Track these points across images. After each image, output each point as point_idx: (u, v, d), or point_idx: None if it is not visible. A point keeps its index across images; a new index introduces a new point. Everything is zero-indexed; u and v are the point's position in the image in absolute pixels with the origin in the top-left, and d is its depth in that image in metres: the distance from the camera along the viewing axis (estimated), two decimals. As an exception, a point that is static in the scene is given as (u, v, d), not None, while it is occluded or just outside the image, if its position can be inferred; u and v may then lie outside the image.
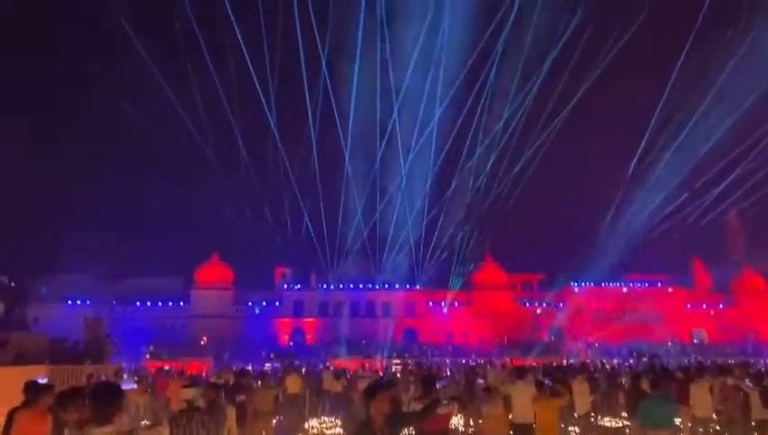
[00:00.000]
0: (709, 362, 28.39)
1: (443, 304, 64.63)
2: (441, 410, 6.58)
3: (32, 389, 6.77)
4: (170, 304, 61.18)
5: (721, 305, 66.24)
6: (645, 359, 40.29)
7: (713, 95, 50.77)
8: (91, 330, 22.83)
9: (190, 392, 6.61)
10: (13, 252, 45.23)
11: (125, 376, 19.49)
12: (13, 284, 19.50)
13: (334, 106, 58.25)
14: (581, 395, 13.51)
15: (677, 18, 56.39)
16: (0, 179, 61.04)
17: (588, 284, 67.26)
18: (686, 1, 56.50)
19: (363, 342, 54.61)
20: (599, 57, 53.78)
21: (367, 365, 24.47)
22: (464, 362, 35.23)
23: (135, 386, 17.89)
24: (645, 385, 11.74)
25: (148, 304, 60.35)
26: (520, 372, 11.97)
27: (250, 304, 62.51)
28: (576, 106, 56.65)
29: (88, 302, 54.83)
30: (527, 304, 65.99)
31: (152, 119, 53.96)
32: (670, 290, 67.06)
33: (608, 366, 26.52)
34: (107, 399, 3.80)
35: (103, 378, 16.22)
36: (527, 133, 58.75)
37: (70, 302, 55.44)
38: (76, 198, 67.30)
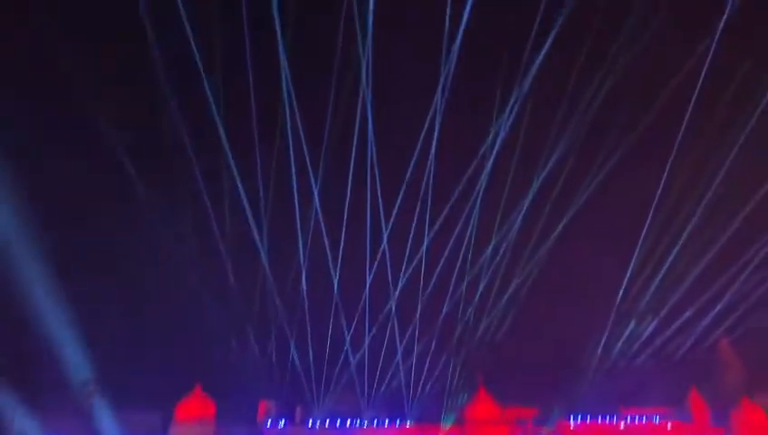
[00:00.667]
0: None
1: (436, 440, 61.46)
2: None
3: None
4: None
5: (724, 441, 63.91)
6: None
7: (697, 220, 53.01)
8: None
9: None
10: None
11: None
12: None
13: (324, 234, 59.30)
14: None
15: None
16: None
17: (584, 418, 65.09)
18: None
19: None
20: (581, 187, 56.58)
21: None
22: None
23: None
24: None
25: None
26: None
27: (233, 440, 58.63)
28: (561, 235, 58.49)
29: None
30: (523, 441, 62.94)
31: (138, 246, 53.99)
32: (669, 426, 64.86)
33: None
34: None
35: None
36: (514, 263, 59.97)
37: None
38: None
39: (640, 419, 65.60)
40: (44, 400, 47.93)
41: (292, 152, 54.10)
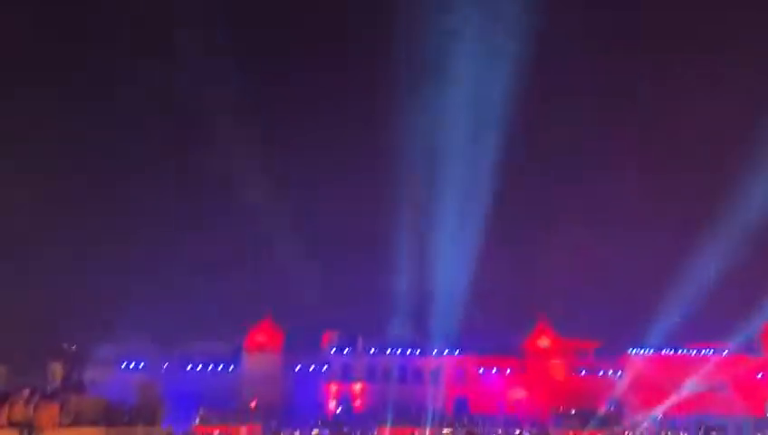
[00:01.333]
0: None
1: (495, 370, 62.62)
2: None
3: None
4: (221, 367, 61.40)
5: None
6: (714, 433, 37.66)
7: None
8: (144, 393, 23.21)
9: None
10: (72, 317, 46.79)
11: (176, 440, 19.50)
12: (73, 347, 20.08)
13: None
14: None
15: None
16: (61, 252, 63.70)
17: (646, 351, 64.21)
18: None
19: (412, 409, 53.23)
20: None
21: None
22: (518, 432, 33.74)
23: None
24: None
25: (200, 367, 60.70)
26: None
27: (298, 368, 62.06)
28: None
29: (141, 365, 55.73)
30: (583, 372, 63.16)
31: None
32: (738, 358, 63.03)
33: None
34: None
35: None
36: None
37: (125, 364, 56.55)
38: (133, 267, 69.54)
39: (706, 352, 64.06)
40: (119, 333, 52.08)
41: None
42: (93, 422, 17.43)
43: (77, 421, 16.56)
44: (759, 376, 61.41)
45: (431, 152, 57.89)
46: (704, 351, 63.75)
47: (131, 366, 56.69)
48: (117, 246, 71.39)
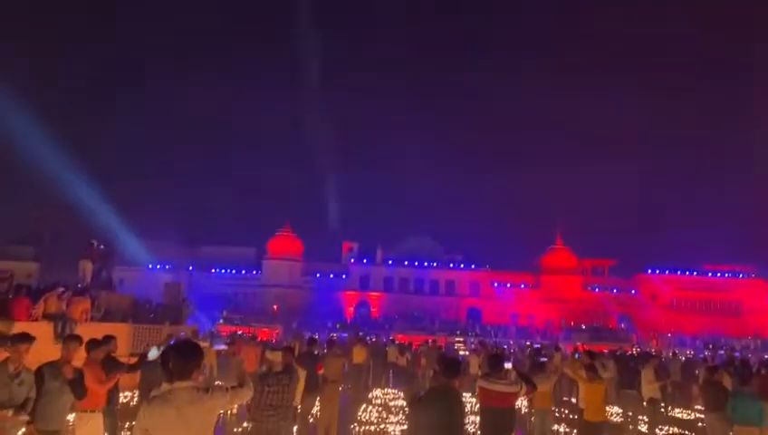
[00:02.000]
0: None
1: (509, 285, 63.91)
2: (509, 389, 6.60)
3: (89, 343, 7.31)
4: (244, 272, 63.52)
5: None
6: (721, 352, 38.43)
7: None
8: (170, 293, 24.12)
9: (278, 355, 7.10)
10: (101, 217, 48.05)
11: (201, 337, 20.49)
12: (102, 246, 20.74)
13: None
14: (647, 383, 13.16)
15: None
16: (92, 156, 64.56)
17: (662, 271, 64.75)
18: None
19: (426, 318, 54.99)
20: None
21: (430, 341, 24.59)
22: (528, 344, 34.75)
23: (224, 347, 18.89)
24: (723, 378, 11.30)
25: (223, 271, 62.87)
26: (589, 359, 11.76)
27: (318, 275, 63.99)
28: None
29: (167, 267, 57.76)
30: (597, 290, 64.17)
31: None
32: (753, 281, 63.40)
33: (681, 357, 25.53)
34: (188, 356, 3.98)
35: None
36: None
37: (151, 266, 58.64)
38: (162, 171, 70.59)
39: (722, 274, 64.39)
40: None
41: None
42: (122, 319, 18.37)
43: (107, 317, 17.47)
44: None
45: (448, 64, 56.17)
46: (719, 274, 64.17)
47: (158, 267, 58.88)
48: (144, 149, 72.21)
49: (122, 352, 12.96)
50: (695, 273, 64.63)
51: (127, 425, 9.45)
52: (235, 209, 68.19)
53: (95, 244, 20.37)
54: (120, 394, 10.43)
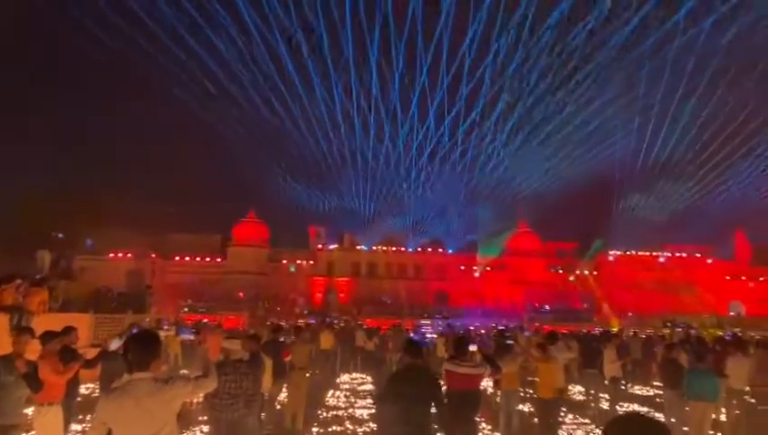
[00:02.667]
0: (747, 335, 27.81)
1: (475, 268, 64.65)
2: (475, 371, 6.66)
3: (44, 335, 7.16)
4: (208, 259, 62.70)
5: (762, 279, 64.52)
6: (679, 330, 39.66)
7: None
8: (132, 282, 23.67)
9: (236, 343, 6.92)
10: (61, 206, 46.73)
11: (164, 326, 20.18)
12: (60, 235, 20.19)
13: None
14: (609, 362, 13.53)
15: None
16: (49, 137, 62.68)
17: (623, 252, 66.34)
18: None
19: (395, 302, 55.30)
20: None
21: (396, 325, 24.73)
22: (494, 325, 35.27)
23: (191, 337, 18.62)
24: (679, 356, 11.65)
25: (188, 259, 61.92)
26: (552, 339, 12.01)
27: (285, 262, 63.61)
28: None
29: (129, 255, 56.65)
30: (561, 272, 65.46)
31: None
32: (709, 261, 65.58)
33: (642, 336, 26.26)
34: (146, 346, 3.92)
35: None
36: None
37: (113, 254, 57.48)
38: (121, 158, 68.94)
39: (681, 254, 66.39)
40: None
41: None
42: (82, 309, 17.92)
43: (66, 307, 17.02)
44: (727, 278, 64.07)
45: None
46: (677, 253, 66.15)
47: (120, 255, 57.72)
48: (105, 135, 70.44)
49: (83, 343, 12.67)
50: (654, 254, 66.46)
51: (89, 418, 9.27)
52: (199, 196, 67.09)
53: (53, 233, 19.82)
54: (82, 386, 10.20)
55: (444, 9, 54.65)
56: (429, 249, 65.16)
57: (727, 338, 17.52)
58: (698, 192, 62.86)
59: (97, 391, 12.10)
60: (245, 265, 59.82)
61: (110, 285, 22.75)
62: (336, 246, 64.85)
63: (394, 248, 64.74)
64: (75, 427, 9.69)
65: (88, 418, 9.28)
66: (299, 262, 63.94)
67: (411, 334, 21.92)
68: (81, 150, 63.51)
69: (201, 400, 12.25)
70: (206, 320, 32.86)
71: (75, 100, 66.15)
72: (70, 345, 7.83)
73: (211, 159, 61.09)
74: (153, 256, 56.15)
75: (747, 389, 12.21)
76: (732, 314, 59.33)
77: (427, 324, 41.78)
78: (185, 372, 14.79)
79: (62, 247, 20.30)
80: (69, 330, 7.94)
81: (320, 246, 64.45)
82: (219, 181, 66.57)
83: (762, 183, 62.12)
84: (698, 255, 65.90)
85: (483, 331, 30.13)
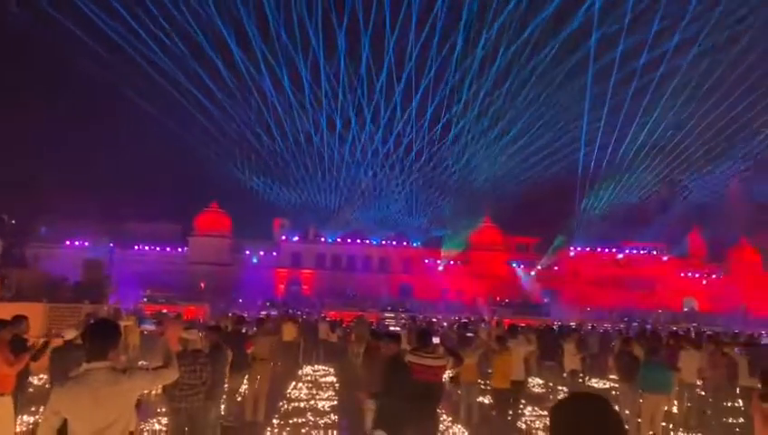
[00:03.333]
0: (699, 330, 28.80)
1: (439, 262, 65.15)
2: (437, 362, 6.71)
3: None
4: (168, 249, 61.52)
5: (714, 276, 66.77)
6: (635, 324, 40.79)
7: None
8: (89, 271, 22.96)
9: (194, 334, 6.78)
10: (13, 191, 45.08)
11: (124, 316, 19.73)
12: (13, 221, 19.49)
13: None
14: (569, 356, 13.84)
15: None
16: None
17: (584, 249, 67.73)
18: None
19: (358, 295, 55.30)
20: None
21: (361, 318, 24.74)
22: (456, 318, 35.65)
23: (153, 327, 18.21)
24: (635, 349, 11.98)
25: (147, 248, 60.64)
26: (512, 332, 12.22)
27: (247, 252, 62.91)
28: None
29: (86, 244, 55.16)
30: (522, 266, 66.47)
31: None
32: (665, 258, 67.55)
33: (599, 330, 26.91)
34: (104, 336, 3.86)
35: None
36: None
37: (69, 243, 55.88)
38: (77, 144, 66.90)
39: (639, 251, 68.26)
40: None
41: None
42: (36, 298, 17.32)
43: (19, 296, 16.47)
44: (681, 275, 66.10)
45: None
46: (636, 250, 68.00)
47: (77, 244, 56.18)
48: (60, 123, 68.34)
49: (36, 333, 12.28)
50: (613, 250, 68.13)
51: (41, 410, 9.01)
52: (159, 183, 65.64)
53: (5, 218, 19.14)
54: (35, 378, 9.90)
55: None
56: (394, 242, 65.30)
57: (680, 333, 18.10)
58: (658, 191, 64.79)
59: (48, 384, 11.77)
60: (207, 256, 58.90)
61: (67, 275, 22.10)
62: (299, 237, 64.44)
63: (359, 240, 64.71)
64: (27, 418, 9.41)
65: (41, 410, 9.01)
66: (262, 253, 63.28)
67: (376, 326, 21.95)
68: (23, 136, 61.15)
69: (160, 391, 12.06)
70: (165, 310, 32.32)
71: (19, 85, 63.63)
72: (20, 335, 7.59)
73: (166, 149, 59.40)
74: (111, 245, 54.79)
75: (698, 382, 12.65)
76: (686, 309, 61.28)
77: (390, 317, 41.98)
78: (144, 362, 14.50)
79: (13, 235, 19.59)
80: (19, 319, 7.69)
81: (283, 237, 63.92)
82: (179, 170, 65.04)
83: (718, 186, 64.60)
84: (655, 252, 67.80)
85: (445, 323, 30.43)
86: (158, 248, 60.97)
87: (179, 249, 61.66)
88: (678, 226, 64.68)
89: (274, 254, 63.35)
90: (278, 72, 60.28)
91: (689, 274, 66.81)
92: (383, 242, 65.27)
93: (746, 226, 63.71)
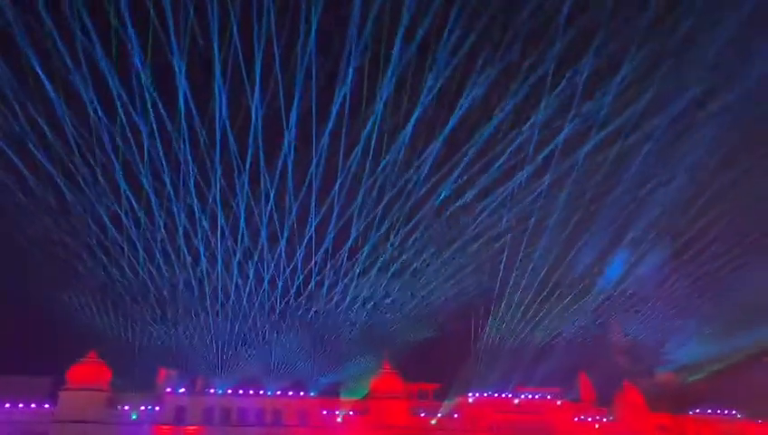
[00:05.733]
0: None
1: (337, 413, 62.27)
2: None
3: None
4: (34, 405, 54.56)
5: (605, 419, 68.63)
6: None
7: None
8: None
9: None
10: None
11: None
12: None
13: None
14: None
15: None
16: None
17: (481, 394, 67.80)
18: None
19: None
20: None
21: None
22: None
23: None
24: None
25: (7, 406, 53.48)
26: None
27: (126, 408, 56.97)
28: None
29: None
30: (423, 414, 64.95)
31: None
32: (559, 402, 68.84)
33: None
34: None
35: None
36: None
37: None
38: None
39: (534, 396, 69.25)
40: None
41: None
42: None
43: None
44: (575, 419, 67.40)
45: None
46: (531, 395, 69.04)
47: None
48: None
49: None
50: (509, 395, 68.68)
51: None
52: (25, 333, 59.77)
53: None
54: None
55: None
56: (290, 392, 62.05)
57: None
58: (545, 336, 67.54)
59: None
60: (79, 413, 52.75)
61: None
62: (185, 389, 59.67)
63: (251, 391, 60.89)
64: None
65: None
66: (143, 408, 57.52)
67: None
68: None
69: None
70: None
71: None
72: None
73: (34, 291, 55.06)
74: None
75: None
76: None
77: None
78: None
79: None
80: None
81: (168, 389, 58.89)
82: (51, 317, 59.73)
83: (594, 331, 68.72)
84: (549, 396, 69.09)
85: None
86: (20, 405, 53.86)
87: (47, 406, 54.87)
88: (565, 369, 67.18)
89: (157, 408, 57.80)
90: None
91: (582, 417, 68.17)
92: (278, 392, 61.79)
93: (628, 365, 67.35)
